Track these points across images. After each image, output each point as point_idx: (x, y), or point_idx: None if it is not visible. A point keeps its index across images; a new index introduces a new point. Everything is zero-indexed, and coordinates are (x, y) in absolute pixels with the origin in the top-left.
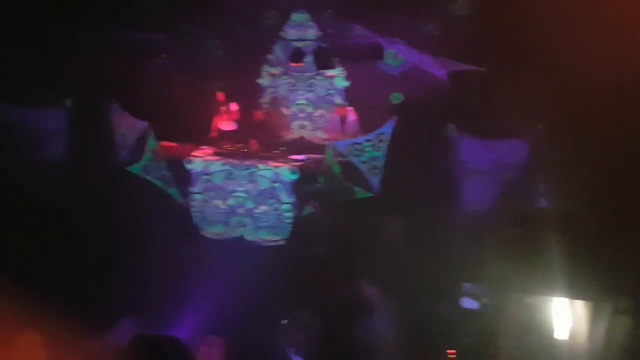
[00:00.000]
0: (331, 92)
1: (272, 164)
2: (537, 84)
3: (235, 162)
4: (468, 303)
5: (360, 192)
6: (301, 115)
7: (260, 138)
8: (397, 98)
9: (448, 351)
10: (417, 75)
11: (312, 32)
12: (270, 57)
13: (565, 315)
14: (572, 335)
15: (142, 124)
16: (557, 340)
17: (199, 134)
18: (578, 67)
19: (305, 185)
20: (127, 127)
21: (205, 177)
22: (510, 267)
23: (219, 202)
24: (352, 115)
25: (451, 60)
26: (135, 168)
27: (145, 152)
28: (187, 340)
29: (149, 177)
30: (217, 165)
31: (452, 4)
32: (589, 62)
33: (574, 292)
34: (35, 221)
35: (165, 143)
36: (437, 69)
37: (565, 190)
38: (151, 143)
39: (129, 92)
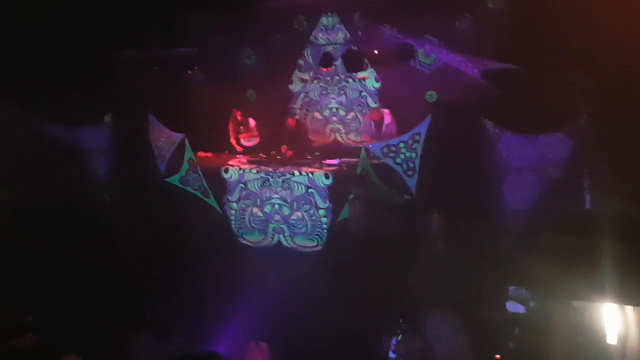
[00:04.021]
0: (363, 94)
1: (307, 169)
2: (578, 76)
3: (270, 169)
4: (514, 307)
5: (396, 195)
6: (334, 119)
7: (293, 144)
8: (431, 96)
9: (496, 356)
10: (451, 73)
11: (341, 34)
12: (300, 62)
13: (610, 320)
14: (618, 340)
15: (179, 136)
16: (602, 345)
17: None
18: (621, 58)
19: (340, 189)
20: (164, 139)
21: (242, 185)
22: (556, 270)
23: (256, 210)
24: (386, 117)
25: (486, 56)
26: (173, 179)
27: (183, 163)
28: (229, 348)
29: (187, 188)
30: (253, 173)
31: None
32: (632, 53)
33: (620, 297)
34: (76, 236)
35: (201, 153)
36: (471, 66)
37: (611, 188)
38: (188, 154)
39: (164, 105)
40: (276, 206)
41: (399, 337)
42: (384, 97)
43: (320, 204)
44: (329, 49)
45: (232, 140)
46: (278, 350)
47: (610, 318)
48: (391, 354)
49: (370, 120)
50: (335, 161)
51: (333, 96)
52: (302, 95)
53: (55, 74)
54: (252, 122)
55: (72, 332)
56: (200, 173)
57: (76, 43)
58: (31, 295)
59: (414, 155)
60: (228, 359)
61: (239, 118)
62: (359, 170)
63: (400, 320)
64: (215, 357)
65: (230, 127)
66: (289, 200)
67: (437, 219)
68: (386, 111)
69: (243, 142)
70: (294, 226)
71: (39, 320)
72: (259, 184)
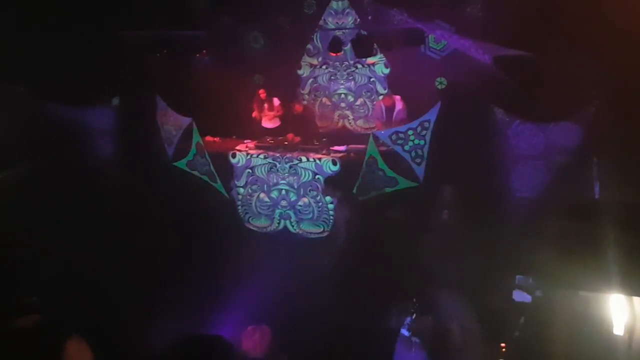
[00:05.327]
0: (372, 80)
1: (314, 155)
2: (589, 64)
3: (277, 155)
4: (520, 296)
5: (404, 182)
6: (342, 104)
7: (301, 130)
8: (441, 83)
9: (502, 345)
10: (461, 59)
11: (351, 19)
12: (309, 47)
13: (617, 311)
14: (624, 331)
15: (187, 120)
16: (608, 335)
17: (242, 128)
18: (633, 45)
19: (347, 176)
20: (172, 123)
21: (249, 170)
22: (563, 260)
23: (262, 195)
24: (395, 103)
25: (497, 42)
26: (181, 163)
27: (190, 147)
28: (233, 331)
29: (194, 172)
30: (260, 158)
31: None
32: None
33: (627, 288)
34: (84, 218)
35: (209, 138)
36: (481, 52)
37: (621, 177)
38: (195, 138)
39: (172, 89)
40: (283, 192)
41: (413, 316)
42: (393, 83)
43: None
44: (338, 33)
45: (255, 115)
46: (284, 334)
47: (618, 309)
48: (404, 331)
49: (382, 106)
50: (342, 147)
51: (342, 82)
52: (310, 81)
53: (64, 57)
54: (276, 101)
55: (77, 314)
56: (208, 158)
57: (84, 26)
58: (35, 276)
59: (422, 142)
60: (232, 342)
61: (262, 97)
62: (366, 158)
63: (414, 300)
64: (220, 340)
65: (255, 105)
66: (295, 186)
67: (445, 206)
68: (398, 97)
69: (265, 124)
70: (300, 212)
71: (43, 301)
72: (266, 170)
